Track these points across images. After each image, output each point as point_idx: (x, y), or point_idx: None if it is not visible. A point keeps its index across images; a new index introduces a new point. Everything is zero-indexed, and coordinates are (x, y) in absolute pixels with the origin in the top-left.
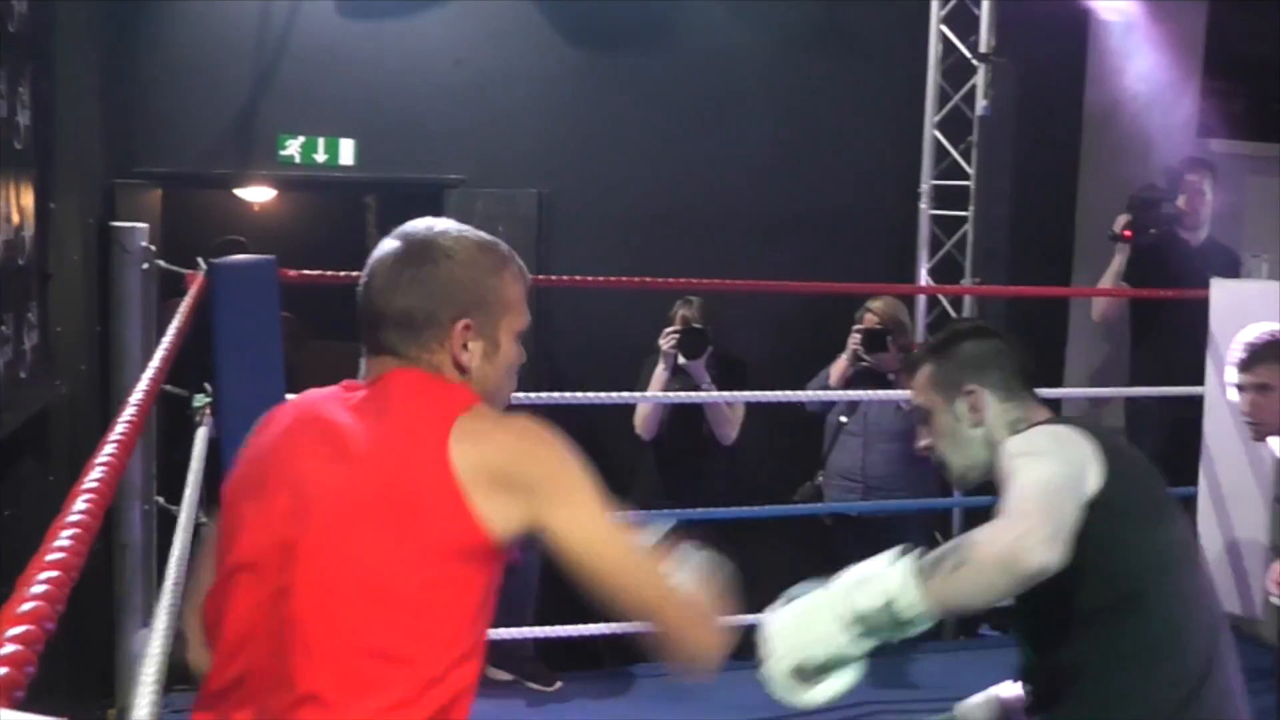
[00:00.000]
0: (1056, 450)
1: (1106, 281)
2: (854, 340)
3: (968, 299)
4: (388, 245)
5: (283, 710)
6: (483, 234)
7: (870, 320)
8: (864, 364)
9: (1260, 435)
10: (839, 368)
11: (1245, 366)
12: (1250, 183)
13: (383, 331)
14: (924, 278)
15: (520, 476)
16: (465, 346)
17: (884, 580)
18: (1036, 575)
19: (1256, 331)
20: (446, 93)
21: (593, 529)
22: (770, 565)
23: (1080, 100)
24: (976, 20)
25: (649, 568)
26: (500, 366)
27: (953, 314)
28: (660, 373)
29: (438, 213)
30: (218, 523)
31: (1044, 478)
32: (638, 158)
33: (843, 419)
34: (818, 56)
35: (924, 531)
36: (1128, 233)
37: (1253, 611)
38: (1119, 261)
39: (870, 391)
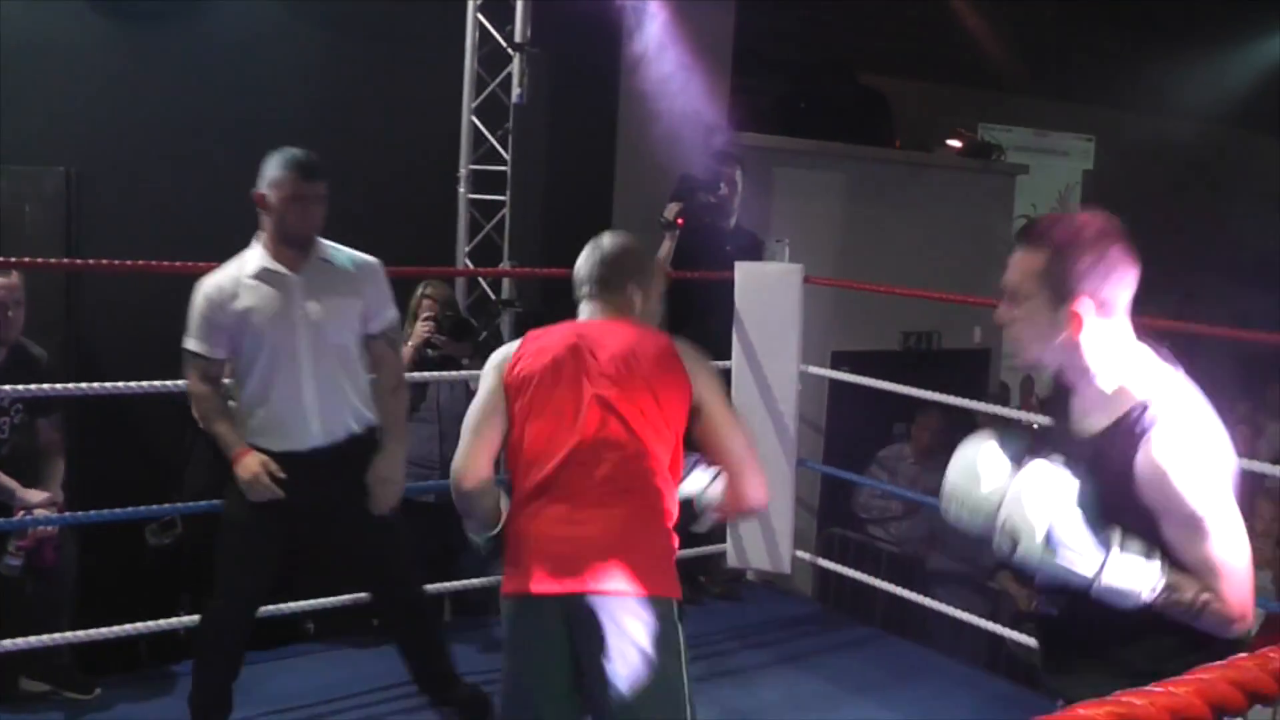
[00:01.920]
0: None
1: None
2: (428, 329)
3: (506, 281)
4: None
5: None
6: None
7: (432, 306)
8: (436, 350)
9: None
10: (405, 354)
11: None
12: (775, 173)
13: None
14: (463, 260)
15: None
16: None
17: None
18: None
19: None
20: None
21: (722, 408)
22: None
23: (615, 91)
24: (512, 10)
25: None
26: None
27: (492, 296)
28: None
29: None
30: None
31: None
32: (173, 138)
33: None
34: (355, 41)
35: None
36: (680, 220)
37: (781, 567)
38: (668, 247)
39: (439, 373)
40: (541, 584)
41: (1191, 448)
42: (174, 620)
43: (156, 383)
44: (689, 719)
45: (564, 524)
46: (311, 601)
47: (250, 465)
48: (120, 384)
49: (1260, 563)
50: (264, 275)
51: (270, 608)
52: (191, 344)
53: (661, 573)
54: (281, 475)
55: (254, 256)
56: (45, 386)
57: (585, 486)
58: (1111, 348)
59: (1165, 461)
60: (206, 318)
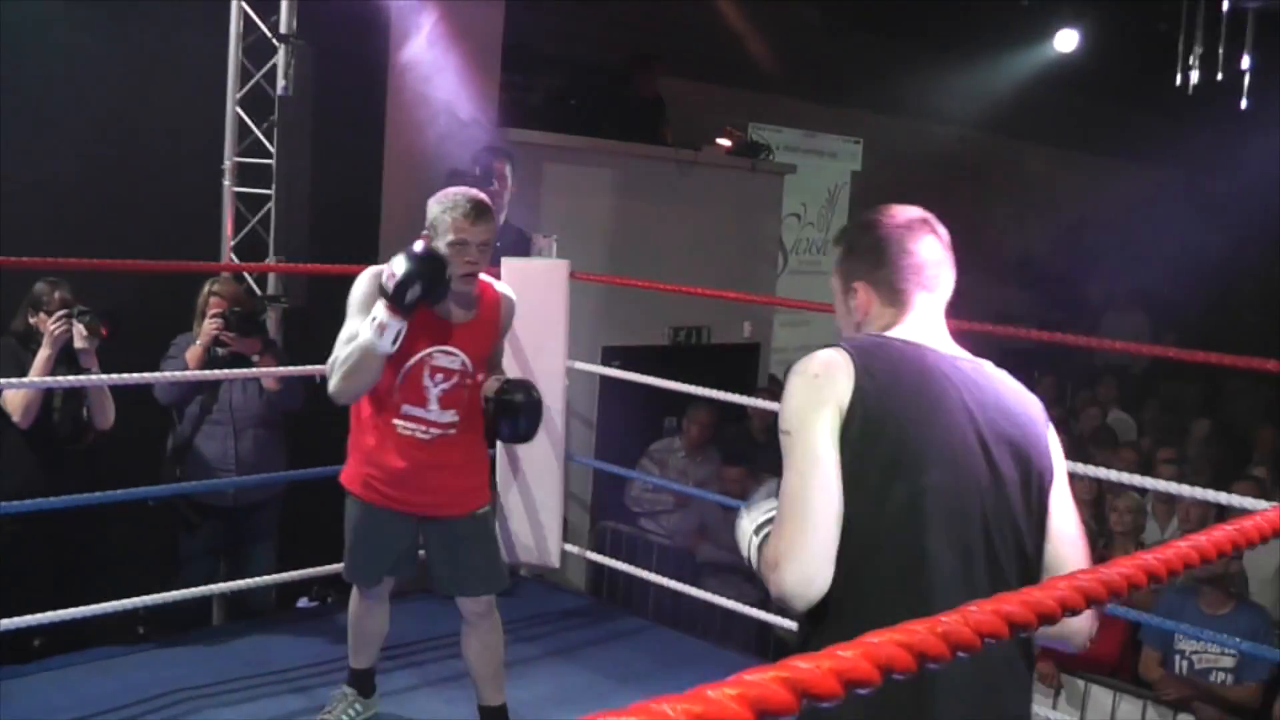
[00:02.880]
0: None
1: None
2: (215, 325)
3: (272, 276)
4: None
5: None
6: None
7: (220, 303)
8: (225, 348)
9: None
10: (195, 354)
11: None
12: (545, 169)
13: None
14: (228, 255)
15: None
16: None
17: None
18: None
19: None
20: None
21: None
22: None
23: (384, 85)
24: (278, 1)
25: None
26: None
27: (258, 291)
28: (45, 357)
29: None
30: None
31: None
32: None
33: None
34: (114, 25)
35: (281, 512)
36: None
37: (550, 561)
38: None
39: (230, 370)
40: None
41: (787, 396)
42: None
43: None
44: None
45: None
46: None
47: None
48: None
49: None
50: None
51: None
52: None
53: None
54: None
55: None
56: None
57: None
58: (865, 328)
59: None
60: None
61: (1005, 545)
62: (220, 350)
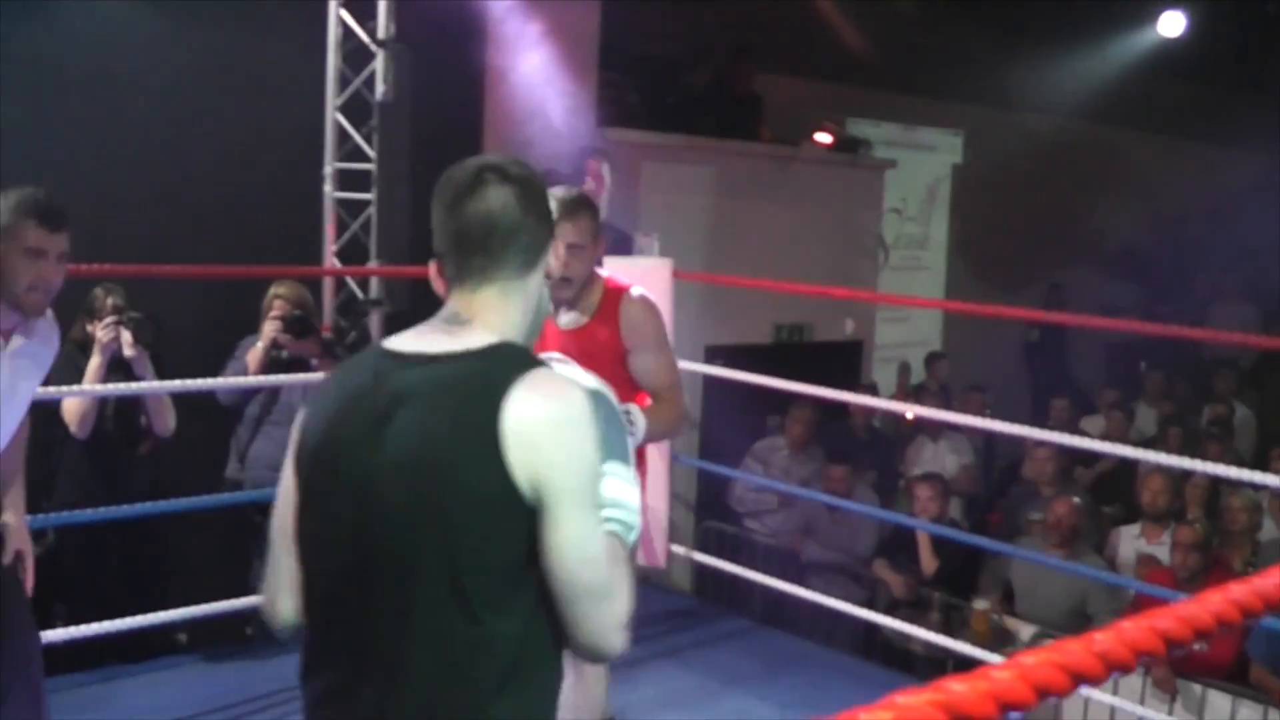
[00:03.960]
0: None
1: None
2: (274, 328)
3: (374, 280)
4: None
5: None
6: None
7: (282, 307)
8: (284, 351)
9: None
10: (255, 356)
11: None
12: (644, 168)
13: None
14: (330, 260)
15: None
16: None
17: None
18: None
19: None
20: None
21: None
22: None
23: (481, 88)
24: (375, 7)
25: None
26: None
27: (360, 295)
28: (95, 364)
29: None
30: None
31: None
32: (29, 139)
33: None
34: (216, 37)
35: None
36: None
37: (656, 562)
38: None
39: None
40: None
41: None
42: (50, 634)
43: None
44: None
45: None
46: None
47: None
48: None
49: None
50: None
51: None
52: None
53: None
54: None
55: None
56: None
57: None
58: None
59: None
60: None
61: None
62: (281, 353)
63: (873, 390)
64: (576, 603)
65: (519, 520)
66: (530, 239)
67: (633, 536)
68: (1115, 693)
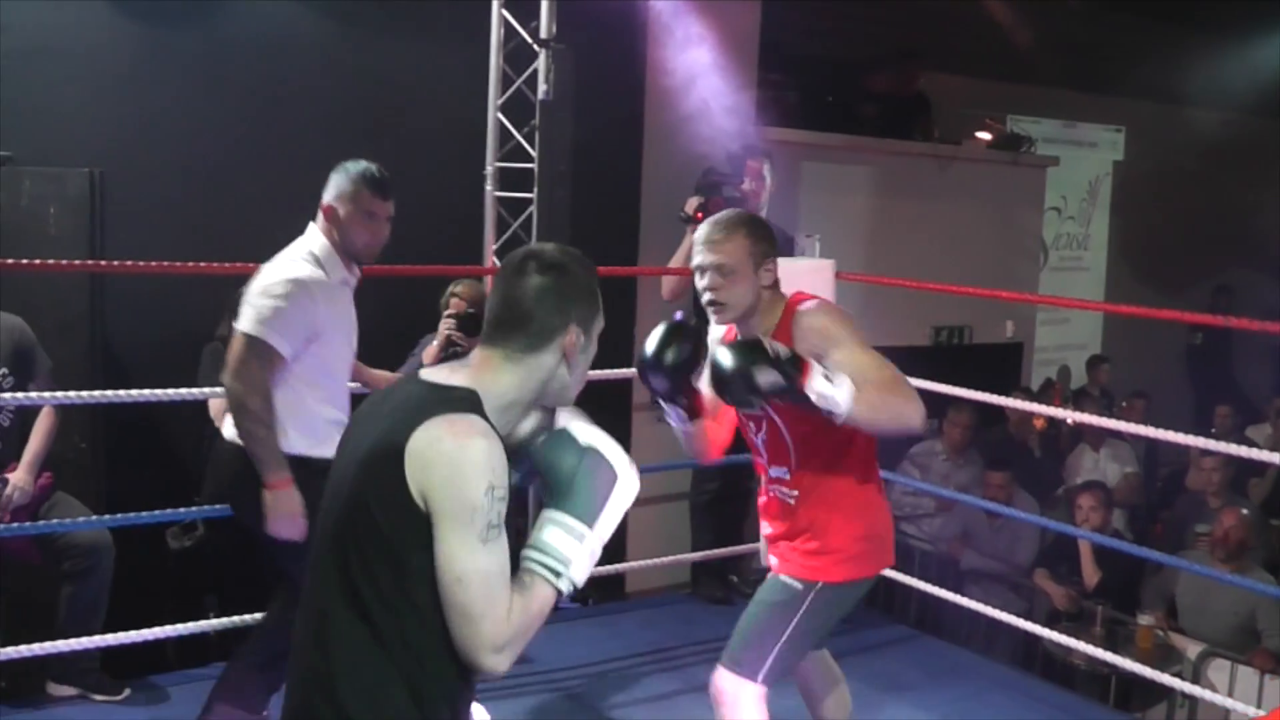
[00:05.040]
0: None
1: (678, 261)
2: (448, 325)
3: None
4: None
5: None
6: None
7: (458, 305)
8: (459, 348)
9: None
10: (431, 353)
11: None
12: (803, 168)
13: None
14: (490, 259)
15: None
16: None
17: None
18: None
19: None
20: None
21: None
22: None
23: (642, 87)
24: (538, 6)
25: None
26: None
27: None
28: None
29: None
30: None
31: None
32: (195, 138)
33: None
34: (378, 38)
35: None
36: (699, 214)
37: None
38: (690, 242)
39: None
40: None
41: None
42: (204, 624)
43: (171, 391)
44: None
45: None
46: None
47: (294, 503)
48: (137, 392)
49: None
50: (340, 282)
51: None
52: (271, 337)
53: None
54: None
55: (327, 261)
56: (73, 395)
57: None
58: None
59: None
60: (288, 314)
61: None
62: (457, 349)
63: (1030, 394)
64: (449, 615)
65: (417, 526)
66: (539, 327)
67: (562, 584)
68: None
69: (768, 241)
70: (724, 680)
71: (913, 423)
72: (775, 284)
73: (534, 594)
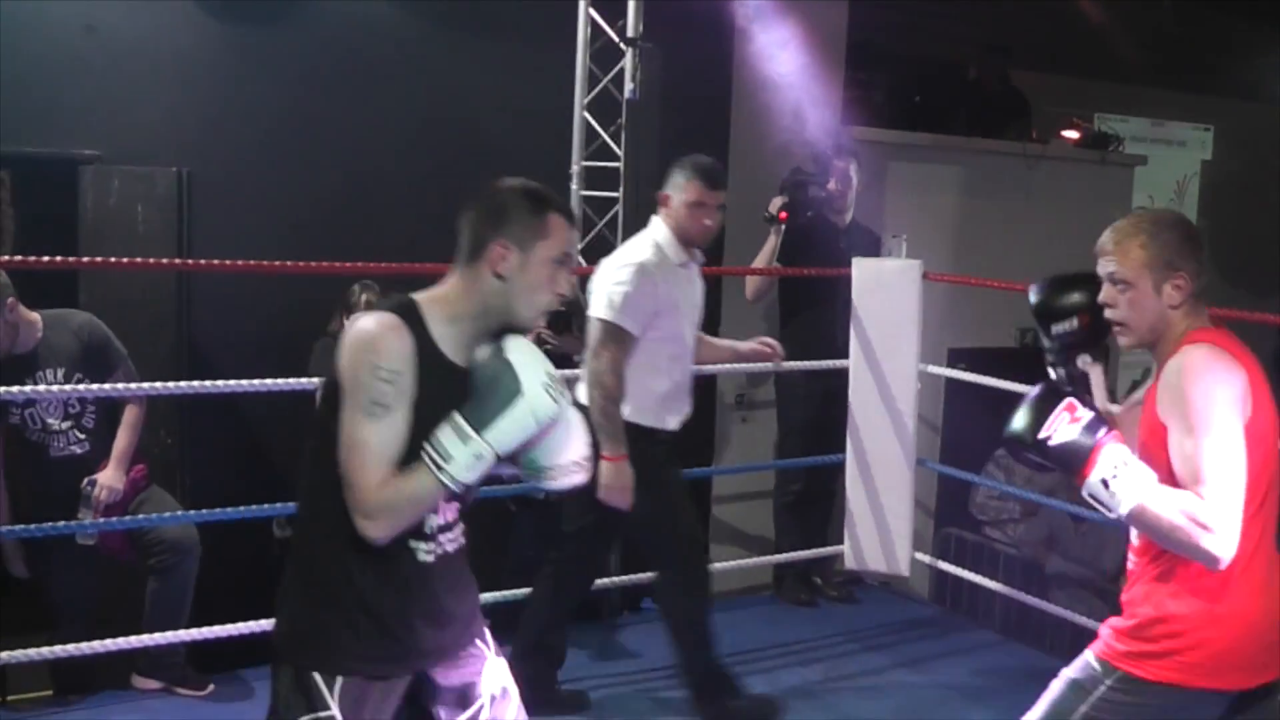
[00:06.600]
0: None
1: (761, 261)
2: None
3: None
4: None
5: None
6: None
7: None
8: (549, 345)
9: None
10: None
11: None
12: (890, 168)
13: None
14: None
15: None
16: None
17: None
18: None
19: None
20: (78, 62)
21: None
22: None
23: (728, 86)
24: (624, 6)
25: None
26: None
27: None
28: None
29: (73, 190)
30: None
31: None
32: (283, 137)
33: None
34: (466, 38)
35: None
36: (783, 214)
37: (899, 569)
38: (773, 242)
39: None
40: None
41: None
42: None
43: (268, 381)
44: None
45: None
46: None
47: (626, 476)
48: (225, 383)
49: None
50: (680, 265)
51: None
52: (622, 320)
53: None
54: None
55: (667, 246)
56: (157, 385)
57: None
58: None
59: None
60: (633, 296)
61: None
62: (545, 347)
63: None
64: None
65: (335, 403)
66: (468, 244)
67: (443, 477)
68: None
69: (1175, 251)
70: None
71: (1207, 563)
72: (1185, 304)
73: (413, 478)
